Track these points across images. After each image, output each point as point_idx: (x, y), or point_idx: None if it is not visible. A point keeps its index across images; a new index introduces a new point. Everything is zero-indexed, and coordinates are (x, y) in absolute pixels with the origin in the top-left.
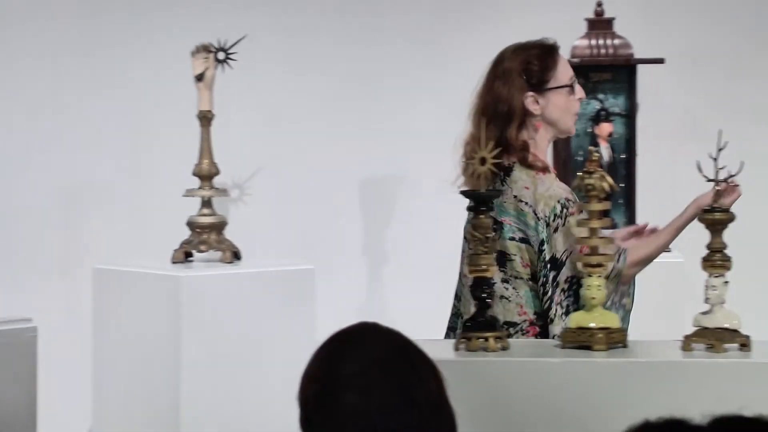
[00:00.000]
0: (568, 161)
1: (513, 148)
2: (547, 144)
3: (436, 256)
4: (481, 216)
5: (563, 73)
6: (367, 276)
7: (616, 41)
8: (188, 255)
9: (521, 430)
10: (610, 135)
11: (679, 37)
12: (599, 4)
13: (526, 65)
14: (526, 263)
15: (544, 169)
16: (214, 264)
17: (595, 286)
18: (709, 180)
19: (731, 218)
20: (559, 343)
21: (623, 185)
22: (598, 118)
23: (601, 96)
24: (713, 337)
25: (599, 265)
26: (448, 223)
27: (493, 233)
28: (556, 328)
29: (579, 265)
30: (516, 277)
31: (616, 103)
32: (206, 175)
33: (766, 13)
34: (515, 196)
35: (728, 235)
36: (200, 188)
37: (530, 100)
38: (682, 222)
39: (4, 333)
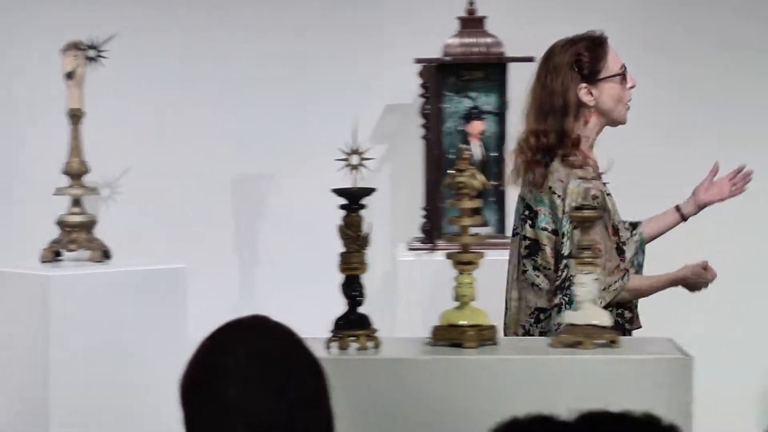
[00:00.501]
0: (440, 159)
1: (567, 141)
2: (597, 134)
3: (310, 257)
4: (353, 214)
5: (614, 62)
6: (240, 275)
7: (488, 40)
8: (57, 254)
9: (394, 429)
10: (481, 133)
11: (550, 36)
12: (471, 3)
13: (576, 57)
14: (553, 254)
15: (581, 166)
16: (83, 263)
17: (466, 284)
18: (579, 178)
19: (601, 216)
20: (431, 340)
21: (495, 183)
22: (469, 116)
23: (472, 94)
24: (582, 334)
25: (470, 263)
26: (321, 224)
27: (366, 232)
28: (559, 318)
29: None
30: (546, 267)
31: (487, 101)
32: (76, 174)
33: (635, 10)
34: (550, 188)
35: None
36: (70, 187)
37: (584, 92)
38: (674, 277)
39: None
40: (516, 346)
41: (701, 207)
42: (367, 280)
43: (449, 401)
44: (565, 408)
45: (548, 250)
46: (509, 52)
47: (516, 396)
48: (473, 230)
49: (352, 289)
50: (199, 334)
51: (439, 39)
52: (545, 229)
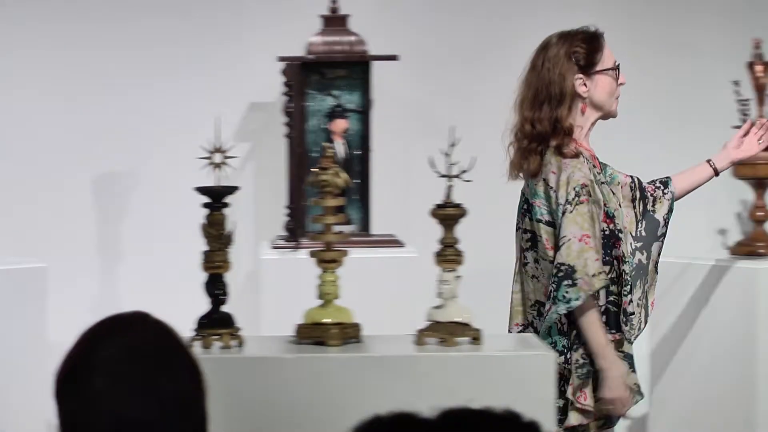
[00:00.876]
0: (304, 157)
1: (560, 131)
2: (590, 127)
3: (173, 255)
4: (216, 212)
5: (609, 57)
6: (102, 274)
7: (351, 38)
8: None
9: (258, 427)
10: (345, 131)
11: (412, 34)
12: (334, 1)
13: (573, 49)
14: (551, 246)
15: (574, 155)
16: None
17: (329, 282)
18: (442, 176)
19: (463, 213)
20: (294, 339)
21: (358, 181)
22: (333, 114)
23: (336, 92)
24: (445, 331)
25: (333, 261)
26: (185, 223)
27: (229, 230)
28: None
29: (571, 253)
30: (543, 258)
31: (351, 100)
32: None
33: (499, 10)
34: (544, 179)
35: (461, 231)
36: None
37: (579, 83)
38: (608, 363)
39: None
40: (380, 343)
41: (734, 163)
42: (231, 278)
43: (313, 399)
44: (429, 405)
45: (544, 241)
46: (372, 51)
47: (379, 394)
48: (337, 228)
49: (216, 288)
50: (58, 334)
51: (303, 37)
52: (540, 220)
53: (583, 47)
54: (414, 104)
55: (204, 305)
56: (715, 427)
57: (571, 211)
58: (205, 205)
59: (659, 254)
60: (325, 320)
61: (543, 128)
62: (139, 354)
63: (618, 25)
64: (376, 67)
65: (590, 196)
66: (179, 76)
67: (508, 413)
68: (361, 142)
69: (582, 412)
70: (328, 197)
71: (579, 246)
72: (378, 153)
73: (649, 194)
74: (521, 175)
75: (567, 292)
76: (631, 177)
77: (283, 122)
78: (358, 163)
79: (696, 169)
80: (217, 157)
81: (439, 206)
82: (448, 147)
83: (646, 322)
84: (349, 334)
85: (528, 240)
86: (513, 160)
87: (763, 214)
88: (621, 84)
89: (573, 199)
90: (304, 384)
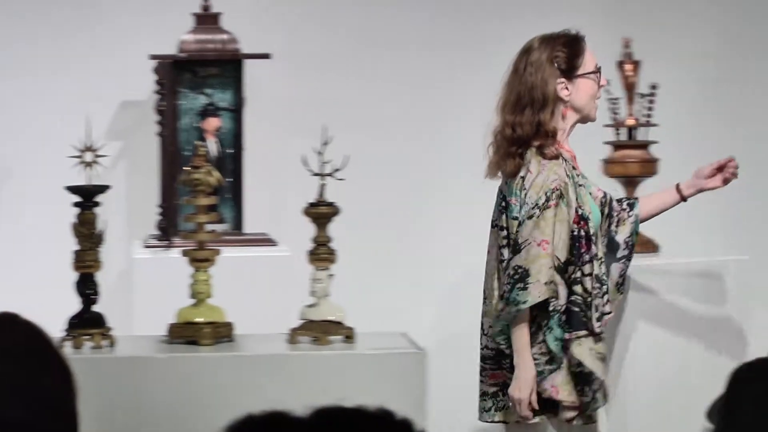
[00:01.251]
0: (176, 156)
1: (543, 134)
2: (571, 129)
3: (44, 255)
4: (87, 212)
5: (590, 60)
6: None
7: (223, 36)
8: None
9: (130, 427)
10: (217, 130)
11: (285, 33)
12: None
13: (555, 53)
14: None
15: (554, 157)
16: None
17: (202, 281)
18: (315, 174)
19: (336, 212)
20: (167, 338)
21: (231, 180)
22: (205, 112)
23: (208, 91)
24: (319, 330)
25: (206, 260)
26: (56, 222)
27: (100, 229)
28: (492, 307)
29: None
30: None
31: (223, 98)
32: None
33: (372, 9)
34: (522, 178)
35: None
36: None
37: (561, 87)
38: (522, 369)
39: None
40: (253, 342)
41: (701, 191)
42: (102, 278)
43: (186, 399)
44: (302, 404)
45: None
46: (245, 49)
47: (252, 393)
48: (209, 227)
49: (87, 288)
50: None
51: (175, 35)
52: (516, 218)
53: (565, 51)
54: (287, 103)
55: (75, 305)
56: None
57: (538, 216)
58: (76, 204)
59: (621, 275)
60: (197, 319)
61: (524, 132)
62: (8, 355)
63: (491, 18)
64: (249, 65)
65: (561, 198)
66: (50, 75)
67: (381, 411)
68: (233, 140)
69: (569, 408)
70: (201, 196)
71: (536, 251)
72: (251, 151)
73: (615, 214)
74: (499, 174)
75: (518, 295)
76: (604, 193)
77: (155, 121)
78: (231, 162)
79: (664, 194)
80: (88, 156)
81: (311, 205)
82: (321, 146)
83: None
84: (221, 333)
85: (504, 237)
86: (492, 161)
87: None
88: (602, 86)
89: (543, 203)
90: (177, 383)
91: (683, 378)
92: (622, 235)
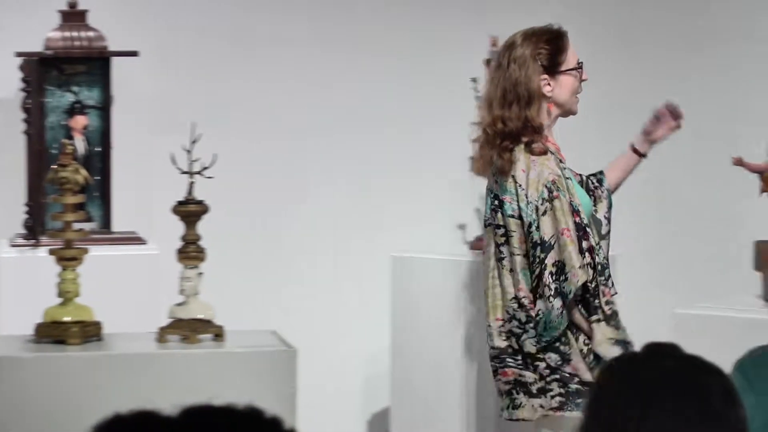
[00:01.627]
0: (43, 154)
1: (530, 129)
2: (554, 123)
3: None
4: None
5: (572, 56)
6: None
7: (90, 33)
8: None
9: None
10: (84, 128)
11: (154, 30)
12: None
13: (538, 50)
14: (522, 240)
15: (542, 152)
16: None
17: (69, 280)
18: (183, 172)
19: (205, 210)
20: (34, 338)
21: (98, 178)
22: (72, 110)
23: (75, 88)
24: (188, 328)
25: (73, 259)
26: None
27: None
28: (543, 305)
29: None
30: (514, 253)
31: (90, 96)
32: None
33: (244, 5)
34: (513, 176)
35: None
36: None
37: (544, 83)
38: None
39: None
40: (121, 341)
41: (654, 143)
42: None
43: (53, 399)
44: (171, 403)
45: (516, 236)
46: (112, 46)
47: (121, 392)
48: (77, 226)
49: None
50: None
51: (41, 32)
52: (512, 216)
53: (548, 48)
54: (155, 101)
55: None
56: (456, 419)
57: (551, 209)
58: None
59: (608, 250)
60: (65, 319)
61: (514, 126)
62: None
63: (366, 19)
64: (117, 63)
65: (560, 190)
66: None
67: (250, 410)
68: (101, 138)
69: None
70: (68, 194)
71: (563, 240)
72: (119, 149)
73: (591, 193)
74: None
75: (563, 287)
76: (580, 175)
77: (21, 119)
78: (99, 160)
79: (623, 159)
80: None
81: (180, 203)
82: (190, 144)
83: None
84: (90, 332)
85: (502, 235)
86: (480, 157)
87: None
88: (584, 80)
89: (548, 196)
90: (44, 384)
91: None
92: (601, 212)
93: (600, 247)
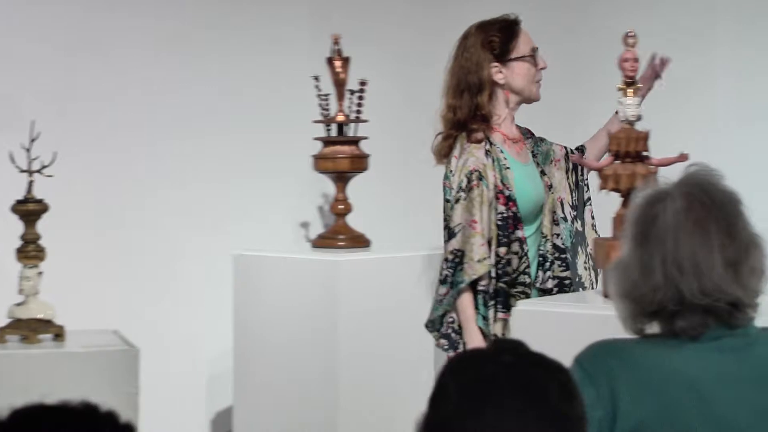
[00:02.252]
0: None
1: (478, 117)
2: (513, 111)
3: None
4: None
5: (525, 43)
6: None
7: None
8: None
9: None
10: None
11: None
12: None
13: (489, 38)
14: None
15: (477, 141)
16: None
17: None
18: (23, 171)
19: (45, 209)
20: None
21: None
22: None
23: None
24: (27, 328)
25: None
26: None
27: None
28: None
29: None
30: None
31: None
32: None
33: (72, 5)
34: (449, 162)
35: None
36: None
37: (495, 70)
38: (472, 327)
39: None
40: None
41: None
42: None
43: None
44: (10, 404)
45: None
46: None
47: None
48: None
49: None
50: None
51: None
52: (448, 200)
53: (498, 36)
54: None
55: None
56: (298, 417)
57: (465, 198)
58: None
59: (593, 217)
60: None
61: (462, 115)
62: None
63: (212, 20)
64: None
65: (481, 179)
66: None
67: (84, 405)
68: None
69: None
70: None
71: (469, 231)
72: None
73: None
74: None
75: (457, 276)
76: (565, 148)
77: None
78: None
79: (607, 127)
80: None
81: (19, 202)
82: (29, 142)
83: (597, 281)
84: None
85: (444, 219)
86: (433, 145)
87: (343, 207)
88: (542, 68)
89: (465, 185)
90: None
91: (394, 371)
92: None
93: (546, 238)
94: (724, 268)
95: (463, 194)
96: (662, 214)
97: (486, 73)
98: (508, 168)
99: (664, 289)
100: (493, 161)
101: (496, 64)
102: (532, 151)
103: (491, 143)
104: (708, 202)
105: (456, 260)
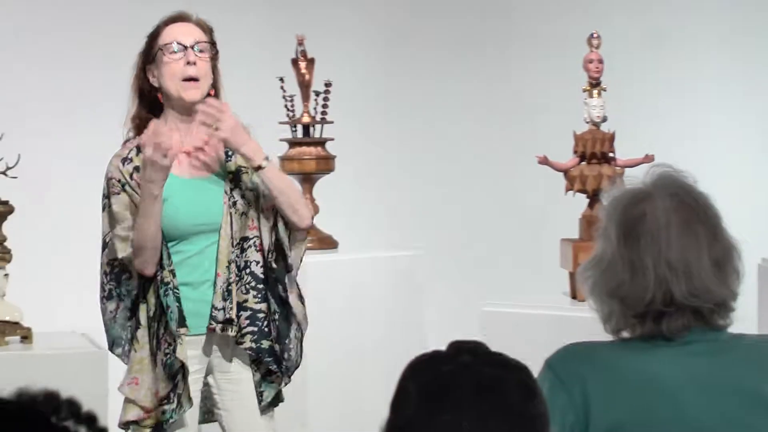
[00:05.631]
0: None
1: (140, 126)
2: (179, 115)
3: None
4: None
5: (166, 37)
6: None
7: None
8: None
9: None
10: None
11: None
12: None
13: (145, 42)
14: None
15: (124, 143)
16: None
17: None
18: None
19: (10, 210)
20: None
21: None
22: None
23: None
24: None
25: None
26: None
27: None
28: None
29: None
30: None
31: None
32: None
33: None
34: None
35: (11, 227)
36: None
37: (150, 74)
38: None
39: None
40: None
41: (238, 150)
42: None
43: None
44: None
45: None
46: None
47: None
48: None
49: None
50: None
51: None
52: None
53: (147, 37)
54: None
55: None
56: None
57: (108, 206)
58: None
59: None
60: None
61: (133, 125)
62: None
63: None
64: None
65: (114, 188)
66: None
67: (44, 393)
68: None
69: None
70: None
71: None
72: None
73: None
74: None
75: (129, 284)
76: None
77: None
78: None
79: None
80: None
81: None
82: None
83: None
84: None
85: None
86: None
87: (311, 208)
88: (189, 62)
89: (106, 193)
90: None
91: (361, 372)
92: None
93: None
94: (712, 269)
95: (106, 201)
96: (650, 214)
97: (138, 79)
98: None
99: (654, 289)
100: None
101: (148, 66)
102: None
103: (134, 153)
104: (693, 203)
105: (116, 270)
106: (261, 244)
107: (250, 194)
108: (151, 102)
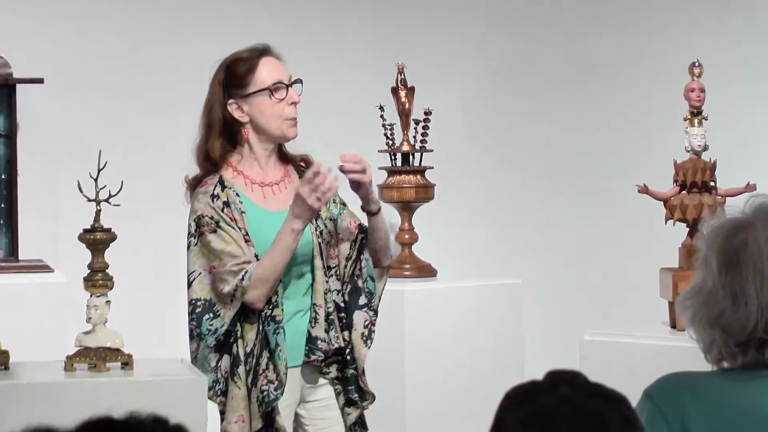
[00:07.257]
0: None
1: (210, 160)
2: (264, 151)
3: None
4: None
5: (267, 76)
6: None
7: None
8: None
9: None
10: None
11: (59, 58)
12: None
13: (225, 73)
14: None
15: (195, 185)
16: None
17: None
18: (90, 200)
19: (113, 238)
20: None
21: (4, 206)
22: None
23: None
24: (95, 357)
25: None
26: None
27: None
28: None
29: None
30: None
31: None
32: None
33: (144, 35)
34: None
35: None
36: None
37: (234, 107)
38: (289, 220)
39: None
40: (28, 370)
41: (366, 199)
42: None
43: None
44: None
45: None
46: (17, 73)
47: (29, 421)
48: None
49: None
50: None
51: None
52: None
53: (232, 70)
54: (62, 128)
55: None
56: None
57: (196, 244)
58: None
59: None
60: None
61: (199, 158)
62: None
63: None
64: (22, 90)
65: (209, 226)
66: None
67: (153, 418)
68: (7, 166)
69: None
70: None
71: (210, 278)
72: (25, 177)
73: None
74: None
75: (212, 324)
76: (359, 226)
77: None
78: (5, 188)
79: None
80: None
81: (86, 231)
82: (96, 171)
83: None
84: None
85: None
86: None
87: (409, 236)
88: (294, 103)
89: (195, 231)
90: None
91: (461, 400)
92: (360, 280)
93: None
94: None
95: (193, 240)
96: (752, 242)
97: (218, 111)
98: (243, 212)
99: (757, 318)
100: (229, 206)
101: (232, 100)
102: None
103: (223, 187)
104: None
105: (199, 311)
106: (341, 273)
107: (330, 224)
108: (230, 134)
